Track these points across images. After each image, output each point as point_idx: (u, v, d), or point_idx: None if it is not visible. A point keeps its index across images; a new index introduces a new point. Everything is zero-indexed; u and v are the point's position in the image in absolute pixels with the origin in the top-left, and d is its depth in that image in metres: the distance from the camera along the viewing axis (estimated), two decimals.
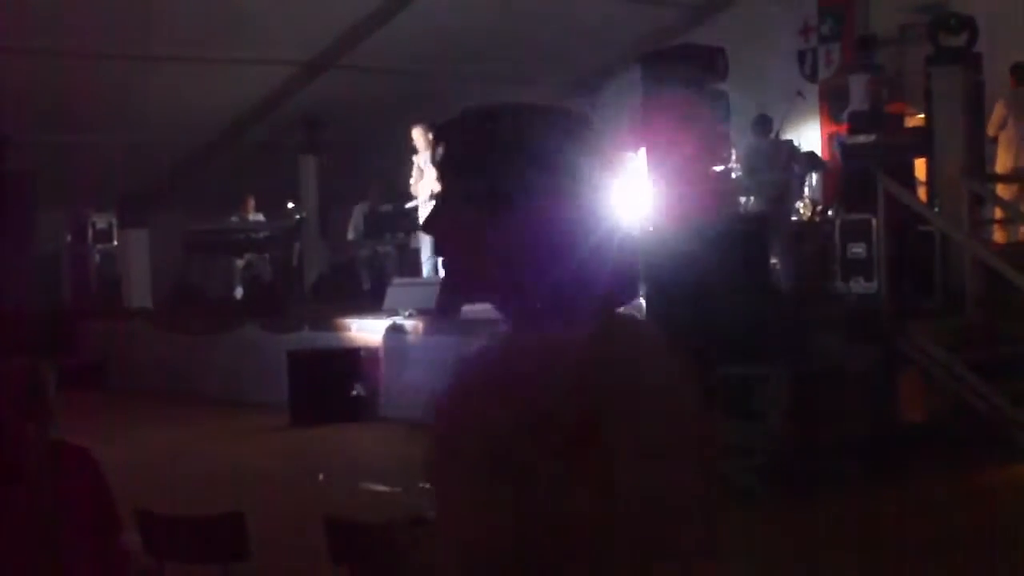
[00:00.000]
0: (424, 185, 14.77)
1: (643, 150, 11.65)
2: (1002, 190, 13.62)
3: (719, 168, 12.39)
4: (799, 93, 16.41)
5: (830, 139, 16.68)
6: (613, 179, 1.80)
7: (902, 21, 16.56)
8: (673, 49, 12.69)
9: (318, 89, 18.05)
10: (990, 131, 13.60)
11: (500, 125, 1.75)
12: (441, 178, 1.81)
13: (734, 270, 10.35)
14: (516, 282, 1.73)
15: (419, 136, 14.83)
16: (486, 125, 1.76)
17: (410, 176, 15.17)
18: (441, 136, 1.82)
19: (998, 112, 13.75)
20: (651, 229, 10.75)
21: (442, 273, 1.86)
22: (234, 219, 19.08)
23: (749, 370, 9.69)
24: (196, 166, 19.09)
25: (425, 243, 15.21)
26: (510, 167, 1.71)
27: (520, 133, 1.74)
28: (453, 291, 1.84)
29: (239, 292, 18.58)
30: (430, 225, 1.79)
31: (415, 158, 14.97)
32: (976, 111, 12.41)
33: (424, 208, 14.96)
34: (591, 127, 1.79)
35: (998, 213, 13.15)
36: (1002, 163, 13.99)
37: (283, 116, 18.52)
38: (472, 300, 1.85)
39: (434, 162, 1.82)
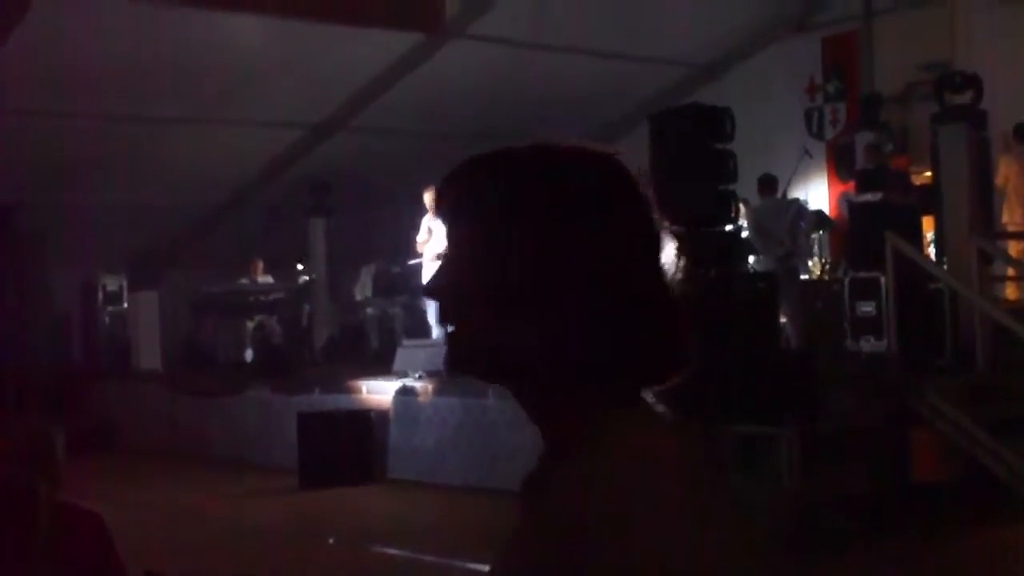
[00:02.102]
0: (431, 246, 14.84)
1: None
2: (1012, 247, 13.63)
3: (727, 228, 12.42)
4: (806, 152, 16.47)
5: (839, 198, 16.73)
6: (659, 233, 1.50)
7: (907, 79, 16.66)
8: (680, 108, 12.75)
9: (326, 151, 18.18)
10: (999, 181, 13.68)
11: (514, 173, 1.49)
12: (446, 236, 1.53)
13: (744, 328, 10.34)
14: (528, 364, 1.45)
15: (429, 197, 14.93)
16: (498, 172, 1.50)
17: (418, 235, 15.26)
18: (445, 187, 1.55)
19: (1003, 170, 13.83)
20: None
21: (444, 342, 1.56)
22: (244, 281, 19.13)
23: (759, 429, 9.66)
24: (206, 228, 19.18)
25: (431, 305, 15.22)
26: (527, 226, 1.44)
27: (543, 182, 1.47)
28: (455, 368, 1.53)
29: (249, 354, 18.58)
30: (432, 290, 1.53)
31: (425, 219, 15.06)
32: (983, 168, 12.45)
33: (428, 268, 15.03)
34: (632, 171, 1.52)
35: (1010, 271, 13.14)
36: (1010, 218, 14.02)
37: (291, 178, 18.64)
38: (480, 379, 1.54)
39: (439, 215, 1.56)
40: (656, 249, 1.49)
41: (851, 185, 15.36)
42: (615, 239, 1.46)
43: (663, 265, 1.49)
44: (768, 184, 14.56)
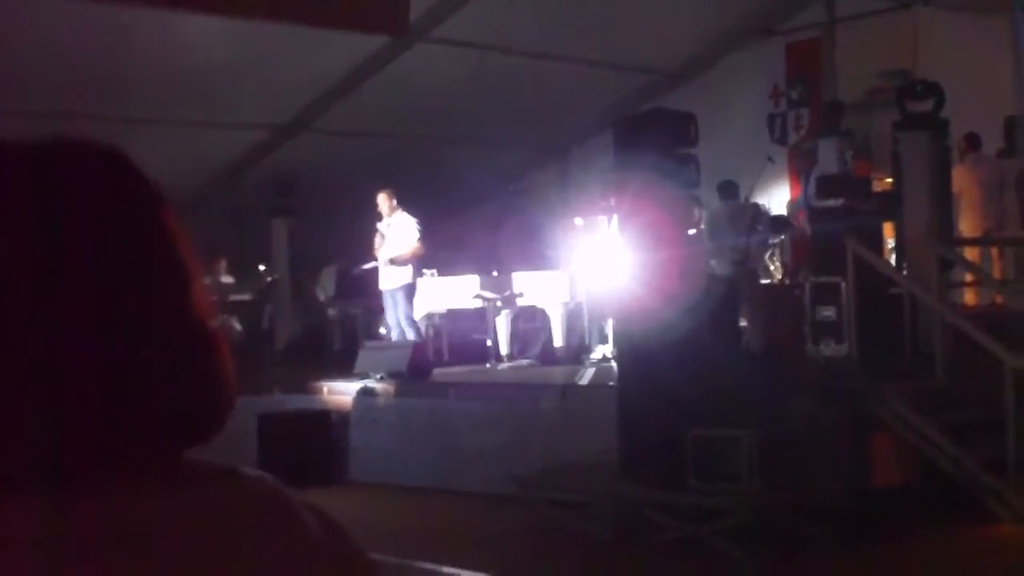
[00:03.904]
0: (385, 249, 14.94)
1: (615, 214, 11.72)
2: (968, 253, 13.75)
3: (690, 232, 12.47)
4: (769, 158, 16.55)
5: (790, 204, 16.83)
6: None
7: (869, 87, 16.76)
8: (644, 114, 12.78)
9: (290, 152, 18.11)
10: (954, 189, 13.81)
11: None
12: None
13: (705, 333, 10.38)
14: None
15: (383, 201, 15.04)
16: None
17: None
18: None
19: (957, 179, 13.94)
20: (624, 290, 10.81)
21: None
22: (207, 281, 19.03)
23: (720, 432, 9.69)
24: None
25: (389, 308, 15.25)
26: None
27: None
28: None
29: None
30: None
31: (379, 224, 15.12)
32: (943, 175, 12.54)
33: (384, 272, 15.09)
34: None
35: (968, 277, 13.26)
36: (967, 226, 14.14)
37: (255, 179, 18.56)
38: None
39: None
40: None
41: (798, 192, 15.61)
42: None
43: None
44: (728, 190, 14.63)
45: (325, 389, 14.17)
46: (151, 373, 1.14)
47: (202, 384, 1.19)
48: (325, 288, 18.26)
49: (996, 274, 13.94)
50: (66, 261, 1.12)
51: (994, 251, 14.56)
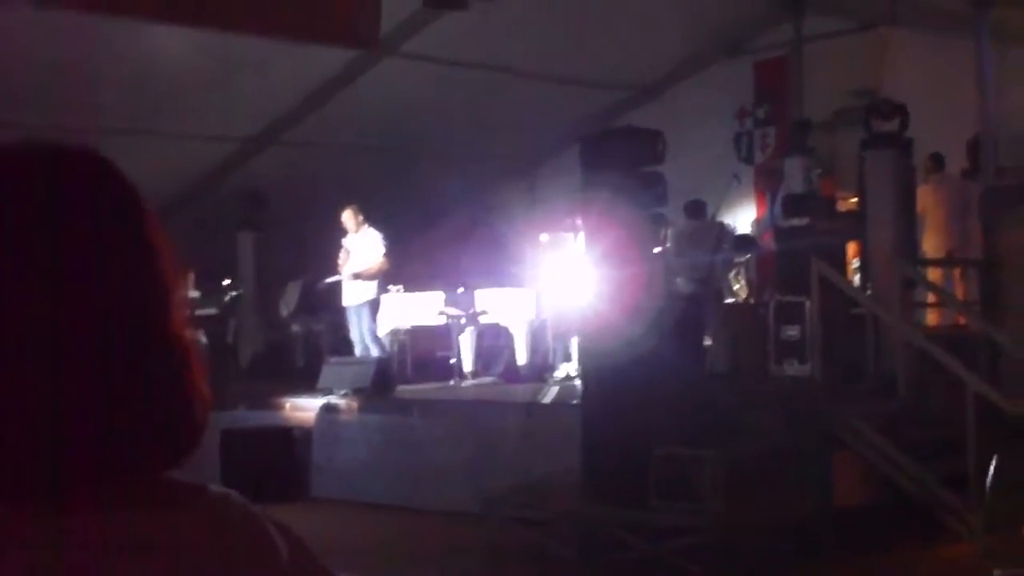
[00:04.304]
0: (350, 265, 14.95)
1: (581, 231, 11.72)
2: (931, 273, 13.80)
3: (656, 249, 12.48)
4: (735, 176, 16.60)
5: (754, 223, 16.89)
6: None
7: (836, 106, 16.83)
8: (612, 131, 12.81)
9: (258, 165, 18.05)
10: (919, 209, 13.86)
11: None
12: None
13: (670, 351, 10.38)
14: None
15: (349, 217, 15.06)
16: None
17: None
18: None
19: (921, 198, 14.00)
20: (589, 308, 10.81)
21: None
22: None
23: (684, 451, 9.69)
24: None
25: (354, 324, 15.23)
26: None
27: None
28: None
29: None
30: None
31: (344, 239, 15.13)
32: (908, 195, 12.60)
33: (348, 287, 15.09)
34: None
35: (931, 297, 13.30)
36: (931, 246, 14.20)
37: (223, 191, 18.48)
38: None
39: None
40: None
41: (764, 211, 15.64)
42: None
43: None
44: (695, 209, 14.66)
45: (288, 405, 14.10)
46: (147, 385, 1.14)
47: (187, 398, 1.18)
48: (288, 303, 18.19)
49: (959, 295, 14.01)
50: (66, 270, 1.12)
51: (957, 272, 14.63)
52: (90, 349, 1.11)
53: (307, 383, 14.75)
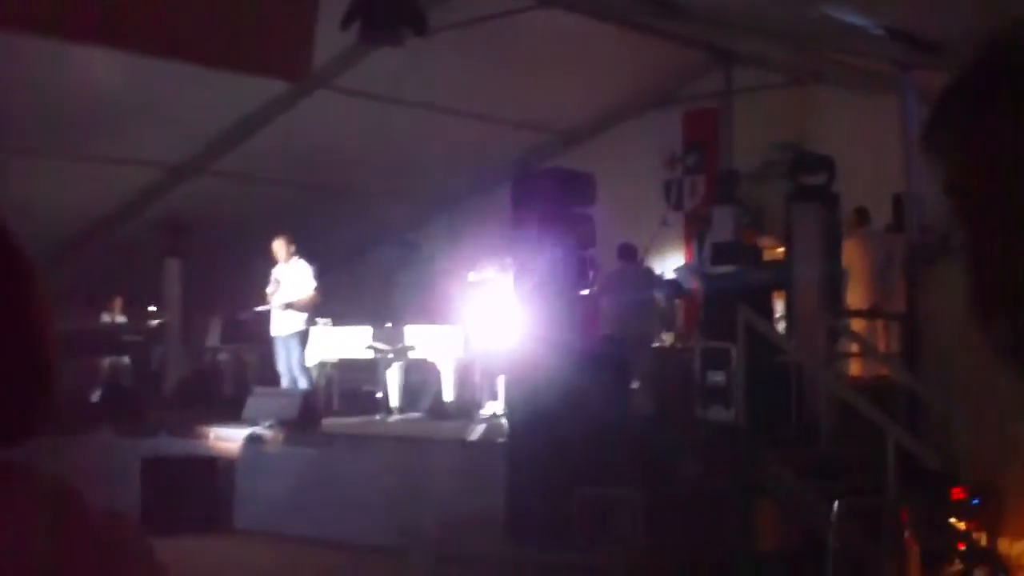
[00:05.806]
0: (279, 295, 14.93)
1: (509, 270, 11.80)
2: (857, 324, 14.01)
3: (584, 292, 12.57)
4: (664, 222, 16.78)
5: (679, 269, 17.05)
6: None
7: (764, 157, 17.07)
8: (542, 171, 12.92)
9: (185, 193, 17.94)
10: (844, 262, 14.07)
11: None
12: None
13: (596, 392, 10.47)
14: None
15: (280, 247, 15.05)
16: None
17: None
18: None
19: (846, 252, 14.21)
20: (516, 347, 10.87)
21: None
22: (105, 318, 18.79)
23: (607, 492, 9.76)
24: (62, 262, 18.74)
25: (281, 355, 15.18)
26: None
27: None
28: None
29: (97, 394, 18.18)
30: None
31: (274, 269, 15.10)
32: (834, 248, 12.80)
33: (276, 318, 15.06)
34: None
35: (854, 347, 13.49)
36: (856, 298, 14.41)
37: (150, 217, 18.36)
38: None
39: None
40: None
41: (691, 258, 15.83)
42: None
43: None
44: (626, 252, 14.79)
45: (212, 435, 14.00)
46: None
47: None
48: (214, 333, 18.11)
49: (881, 346, 14.23)
50: None
51: (880, 324, 14.85)
52: None
53: (233, 412, 14.66)
